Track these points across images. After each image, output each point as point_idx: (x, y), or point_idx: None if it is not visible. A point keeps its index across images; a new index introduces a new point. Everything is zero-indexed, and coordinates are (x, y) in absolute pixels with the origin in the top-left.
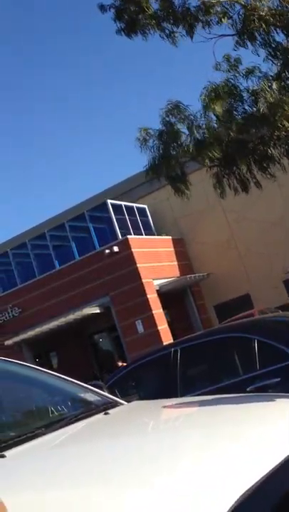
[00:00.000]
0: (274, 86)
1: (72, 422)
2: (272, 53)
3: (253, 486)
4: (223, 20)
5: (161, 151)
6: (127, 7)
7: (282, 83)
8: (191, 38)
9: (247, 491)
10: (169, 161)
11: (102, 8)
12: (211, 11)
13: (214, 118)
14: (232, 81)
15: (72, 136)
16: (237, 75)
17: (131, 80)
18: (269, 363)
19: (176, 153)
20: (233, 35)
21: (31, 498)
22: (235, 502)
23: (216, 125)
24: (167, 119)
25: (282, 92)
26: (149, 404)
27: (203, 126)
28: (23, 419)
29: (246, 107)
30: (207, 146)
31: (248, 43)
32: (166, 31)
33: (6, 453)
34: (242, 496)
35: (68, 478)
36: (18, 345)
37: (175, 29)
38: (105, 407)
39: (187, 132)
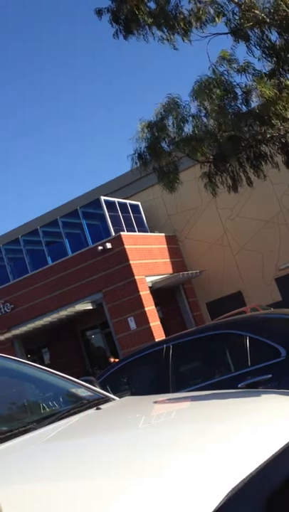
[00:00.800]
0: (268, 83)
1: (64, 417)
2: (266, 52)
3: (244, 480)
4: (217, 19)
5: (148, 142)
6: (122, 9)
7: (276, 81)
8: (189, 40)
9: (238, 484)
10: (156, 152)
11: (99, 12)
12: (203, 12)
13: (203, 112)
14: (225, 76)
15: (66, 133)
16: (231, 71)
17: (127, 76)
18: (260, 359)
19: (166, 145)
20: (227, 33)
21: (23, 492)
22: (227, 495)
23: (205, 119)
24: (160, 111)
25: (276, 89)
26: (141, 400)
27: (191, 119)
28: (15, 414)
29: (238, 105)
30: (197, 141)
31: (243, 42)
32: (161, 36)
33: None
34: (234, 488)
35: (60, 472)
36: (10, 340)
37: (169, 35)
38: (97, 402)
39: (175, 125)
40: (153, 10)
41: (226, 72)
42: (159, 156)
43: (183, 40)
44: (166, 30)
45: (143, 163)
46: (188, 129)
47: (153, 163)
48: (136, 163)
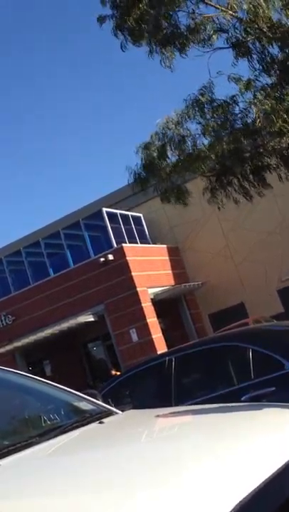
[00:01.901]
0: (266, 101)
1: (67, 431)
2: (266, 67)
3: (249, 495)
4: (214, 36)
5: (147, 165)
6: (126, 20)
7: (277, 94)
8: (186, 54)
9: (243, 499)
10: (155, 173)
11: (101, 19)
12: (201, 29)
13: (200, 129)
14: (219, 98)
15: (68, 145)
16: (231, 85)
17: (130, 90)
18: (264, 372)
19: (165, 165)
20: (228, 47)
21: (27, 507)
22: (233, 509)
23: (203, 136)
24: (158, 132)
25: (277, 103)
26: (144, 414)
27: (189, 138)
28: (17, 427)
29: (238, 119)
30: (196, 159)
31: (245, 58)
32: (161, 52)
33: (1, 461)
34: (238, 504)
35: (64, 487)
36: (11, 353)
37: (166, 53)
38: (100, 416)
39: (173, 146)
40: (151, 27)
41: (223, 86)
42: (158, 177)
43: (180, 54)
44: (159, 49)
45: (141, 184)
46: (187, 147)
47: (153, 183)
48: (135, 184)
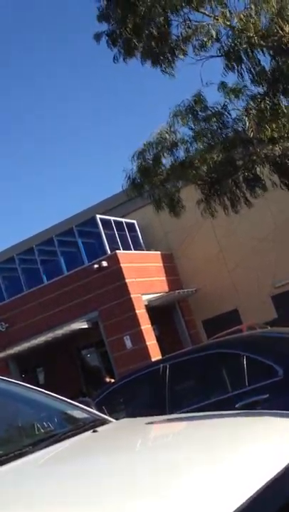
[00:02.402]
0: (258, 107)
1: (61, 440)
2: (258, 76)
3: (244, 503)
4: (207, 43)
5: (141, 169)
6: (120, 33)
7: (268, 103)
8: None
9: (240, 506)
10: (150, 180)
11: (97, 37)
12: (194, 38)
13: (191, 135)
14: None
15: (62, 151)
16: (228, 93)
17: (127, 95)
18: (258, 379)
19: (160, 173)
20: (220, 55)
21: None
22: None
23: (195, 144)
24: (150, 142)
25: (268, 112)
26: (138, 422)
27: (181, 145)
28: (10, 436)
29: (231, 127)
30: (189, 167)
31: (235, 65)
32: (154, 61)
33: None
34: (237, 509)
35: (57, 497)
36: (4, 360)
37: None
38: (93, 424)
39: (166, 154)
40: (144, 38)
41: (215, 95)
42: (152, 186)
43: (170, 65)
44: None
45: (137, 191)
46: (179, 155)
47: (148, 193)
48: (130, 191)
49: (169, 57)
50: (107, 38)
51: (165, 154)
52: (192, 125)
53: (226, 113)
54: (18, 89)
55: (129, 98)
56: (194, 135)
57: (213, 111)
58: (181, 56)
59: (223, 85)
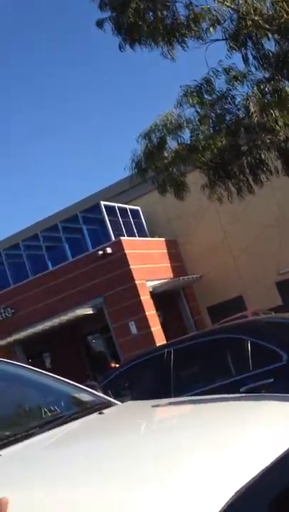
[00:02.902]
0: (262, 92)
1: (67, 422)
2: (263, 60)
3: (246, 485)
4: (212, 29)
5: (146, 152)
6: (122, 20)
7: (273, 87)
8: (186, 44)
9: (240, 489)
10: (154, 163)
11: (100, 24)
12: (199, 21)
13: (197, 119)
14: (215, 83)
15: (67, 138)
16: (231, 80)
17: (129, 81)
18: (262, 364)
19: (165, 156)
20: (224, 39)
21: (28, 496)
22: (229, 500)
23: (200, 127)
24: (158, 124)
25: (273, 96)
26: (143, 405)
27: (188, 129)
28: (18, 418)
29: (235, 111)
30: (195, 151)
31: (239, 49)
32: (161, 45)
33: (2, 452)
34: (236, 493)
35: (65, 476)
36: (11, 345)
37: (167, 45)
38: (99, 407)
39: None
40: (151, 21)
41: (220, 80)
42: (156, 168)
43: (183, 48)
44: (162, 42)
45: (141, 174)
46: (185, 138)
47: (152, 174)
48: (135, 174)
49: (171, 40)
50: (111, 23)
51: (171, 137)
52: (198, 109)
53: (230, 98)
54: (18, 82)
55: (131, 90)
56: (200, 118)
57: (218, 94)
58: (190, 34)
59: (227, 70)
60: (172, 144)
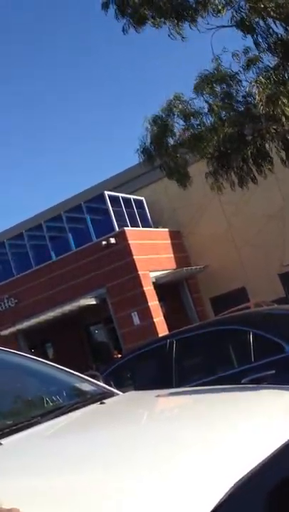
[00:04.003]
0: (269, 81)
1: (68, 411)
2: (272, 46)
3: (245, 476)
4: (222, 11)
5: (153, 138)
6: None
7: (281, 76)
8: (197, 29)
9: (239, 480)
10: (161, 148)
11: (105, 5)
12: (209, 2)
13: (206, 107)
14: (228, 70)
15: (70, 129)
16: (238, 64)
17: (133, 71)
18: (264, 355)
19: (171, 142)
20: (231, 26)
21: (30, 485)
22: (228, 491)
23: (209, 116)
24: (166, 107)
25: (279, 86)
26: (145, 395)
27: (195, 116)
28: (20, 408)
29: (241, 99)
30: (201, 139)
31: (249, 36)
32: (169, 25)
33: (3, 441)
34: (234, 485)
35: (66, 465)
36: (14, 335)
37: (176, 25)
38: (101, 396)
39: (181, 122)
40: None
41: (229, 67)
42: (165, 152)
43: (190, 27)
44: (172, 21)
45: (148, 158)
46: (192, 126)
47: (159, 159)
48: (142, 158)
49: (180, 19)
50: (115, 6)
51: (177, 123)
52: (208, 97)
53: (238, 84)
54: (21, 74)
55: (133, 81)
56: (209, 107)
57: (229, 80)
58: (203, 14)
59: (237, 55)
60: (179, 129)
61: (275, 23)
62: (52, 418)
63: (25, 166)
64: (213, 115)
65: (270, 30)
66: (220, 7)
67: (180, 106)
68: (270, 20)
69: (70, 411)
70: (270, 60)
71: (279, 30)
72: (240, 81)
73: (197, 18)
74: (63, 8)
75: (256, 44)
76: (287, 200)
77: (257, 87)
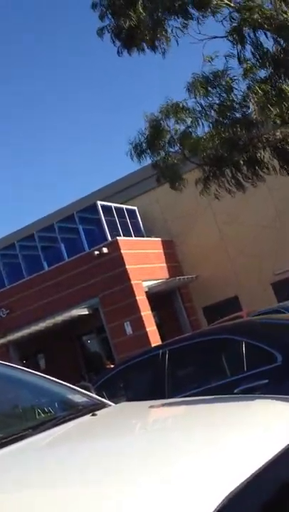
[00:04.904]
0: (262, 90)
1: (60, 423)
2: (261, 58)
3: (239, 486)
4: (217, 11)
5: (148, 137)
6: (122, 27)
7: (271, 86)
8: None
9: (234, 490)
10: (155, 146)
11: (101, 31)
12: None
13: (199, 108)
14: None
15: (62, 138)
16: (230, 72)
17: (124, 81)
18: (257, 364)
19: (163, 145)
20: (223, 37)
21: (20, 498)
22: (222, 501)
23: (202, 117)
24: (161, 110)
25: (271, 94)
26: (137, 406)
27: (189, 118)
28: (11, 420)
29: (235, 105)
30: (197, 143)
31: (239, 46)
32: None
33: None
34: (229, 494)
35: (57, 478)
36: (5, 346)
37: (170, 26)
38: (93, 408)
39: (176, 124)
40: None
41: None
42: (158, 150)
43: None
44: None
45: (139, 154)
46: (185, 126)
47: (151, 158)
48: (133, 154)
49: (166, 37)
50: (110, 32)
51: (172, 127)
52: (202, 100)
53: (232, 93)
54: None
55: (127, 89)
56: (202, 111)
57: (223, 88)
58: (190, 16)
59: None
60: (173, 133)
61: (265, 34)
62: (43, 430)
63: (17, 175)
64: (206, 118)
65: (259, 42)
66: (215, 11)
67: (174, 108)
68: (261, 32)
69: (62, 423)
70: (261, 71)
71: (270, 41)
72: (233, 88)
73: (189, 26)
74: (63, 8)
75: (241, 56)
76: (280, 210)
77: (250, 96)
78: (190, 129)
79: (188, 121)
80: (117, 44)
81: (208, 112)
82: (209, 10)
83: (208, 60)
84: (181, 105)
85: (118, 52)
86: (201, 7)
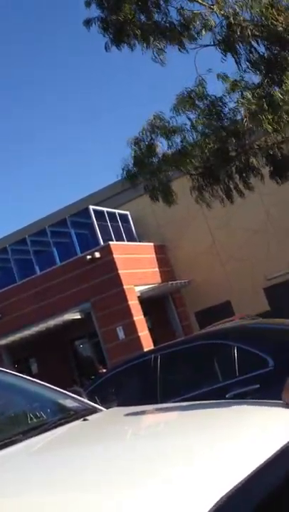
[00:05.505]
0: (254, 98)
1: (51, 428)
2: (253, 65)
3: (230, 491)
4: (204, 31)
5: (136, 160)
6: (112, 20)
7: (263, 93)
8: (184, 49)
9: (225, 495)
10: (144, 169)
11: (88, 23)
12: (193, 24)
13: (188, 125)
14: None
15: (55, 142)
16: (231, 86)
17: (117, 86)
18: (248, 369)
19: (154, 162)
20: (214, 45)
21: (10, 504)
22: (214, 506)
23: (192, 132)
24: (147, 128)
25: (263, 102)
26: (128, 411)
27: (177, 134)
28: (1, 425)
29: (225, 113)
30: (185, 155)
31: (230, 55)
32: (153, 47)
33: None
34: (220, 499)
35: (47, 484)
36: None
37: (161, 45)
38: (84, 413)
39: (163, 141)
40: (143, 22)
41: (213, 85)
42: (148, 173)
43: (180, 50)
44: (154, 40)
45: (132, 179)
46: (175, 143)
47: (142, 181)
48: (125, 181)
49: (160, 44)
50: (99, 23)
51: (160, 142)
52: (190, 114)
53: (222, 104)
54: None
55: (122, 92)
56: (192, 124)
57: (210, 99)
58: (183, 36)
59: (221, 76)
60: (161, 149)
61: (257, 41)
62: (34, 435)
63: (8, 180)
64: (194, 132)
65: (252, 49)
66: (200, 28)
67: (161, 124)
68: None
69: (53, 428)
70: (252, 77)
71: (261, 48)
72: (224, 102)
73: (180, 39)
74: (63, 8)
75: (238, 63)
76: (271, 215)
77: (242, 103)
78: (180, 144)
79: (178, 139)
80: (105, 38)
81: (195, 125)
82: (199, 27)
83: (200, 80)
84: (168, 125)
85: (106, 47)
86: (188, 25)
